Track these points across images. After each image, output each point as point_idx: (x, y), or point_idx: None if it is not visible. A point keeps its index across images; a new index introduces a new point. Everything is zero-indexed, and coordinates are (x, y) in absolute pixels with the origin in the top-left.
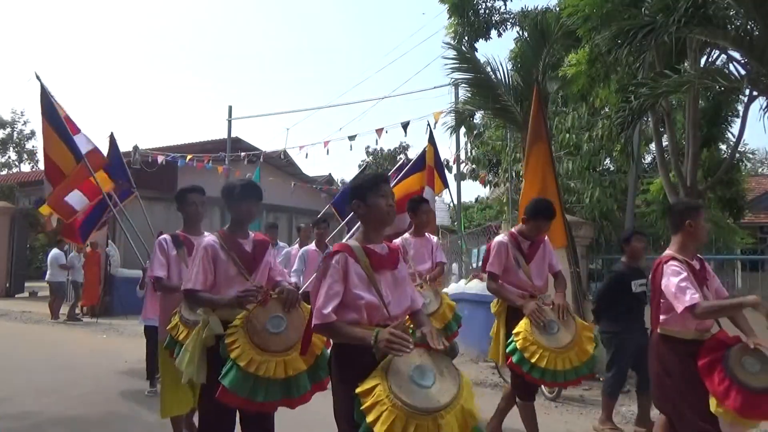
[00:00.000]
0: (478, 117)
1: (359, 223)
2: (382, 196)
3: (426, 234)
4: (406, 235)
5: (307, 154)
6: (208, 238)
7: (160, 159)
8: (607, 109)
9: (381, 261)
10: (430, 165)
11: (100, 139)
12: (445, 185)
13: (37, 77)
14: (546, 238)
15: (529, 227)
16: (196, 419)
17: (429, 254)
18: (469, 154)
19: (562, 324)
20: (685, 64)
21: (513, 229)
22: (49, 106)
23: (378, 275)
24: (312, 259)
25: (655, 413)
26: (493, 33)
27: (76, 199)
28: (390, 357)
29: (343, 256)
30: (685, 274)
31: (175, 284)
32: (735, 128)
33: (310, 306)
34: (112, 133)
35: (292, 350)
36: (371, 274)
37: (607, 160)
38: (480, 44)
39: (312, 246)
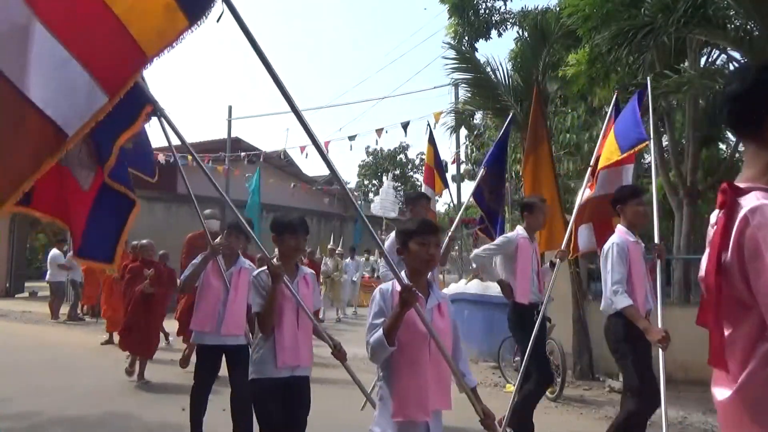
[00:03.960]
0: (478, 117)
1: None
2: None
3: None
4: None
5: (307, 154)
6: None
7: (160, 159)
8: (607, 109)
9: None
10: (429, 165)
11: None
12: (445, 185)
13: None
14: None
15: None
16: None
17: None
18: (468, 153)
19: None
20: (685, 64)
21: None
22: None
23: None
24: None
25: None
26: (493, 33)
27: None
28: None
29: None
30: None
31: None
32: None
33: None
34: None
35: None
36: None
37: None
38: (480, 44)
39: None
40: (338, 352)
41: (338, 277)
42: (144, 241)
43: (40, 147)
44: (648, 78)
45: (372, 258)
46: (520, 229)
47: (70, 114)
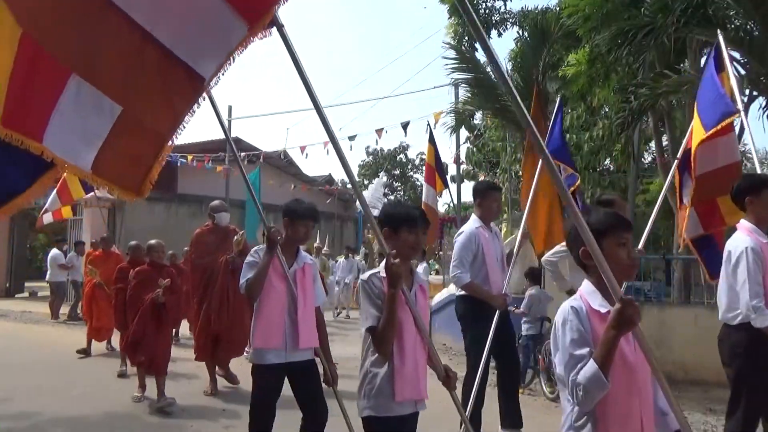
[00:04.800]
0: (478, 117)
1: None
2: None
3: None
4: None
5: (307, 154)
6: None
7: None
8: (606, 109)
9: None
10: (430, 164)
11: None
12: (445, 185)
13: None
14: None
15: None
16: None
17: None
18: (469, 155)
19: None
20: (685, 64)
21: None
22: None
23: None
24: None
25: None
26: (493, 33)
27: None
28: None
29: None
30: None
31: None
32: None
33: None
34: None
35: None
36: None
37: (607, 160)
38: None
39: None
40: (449, 379)
41: (325, 277)
42: (153, 242)
43: (174, 96)
44: (719, 34)
45: (357, 258)
46: None
47: (203, 52)
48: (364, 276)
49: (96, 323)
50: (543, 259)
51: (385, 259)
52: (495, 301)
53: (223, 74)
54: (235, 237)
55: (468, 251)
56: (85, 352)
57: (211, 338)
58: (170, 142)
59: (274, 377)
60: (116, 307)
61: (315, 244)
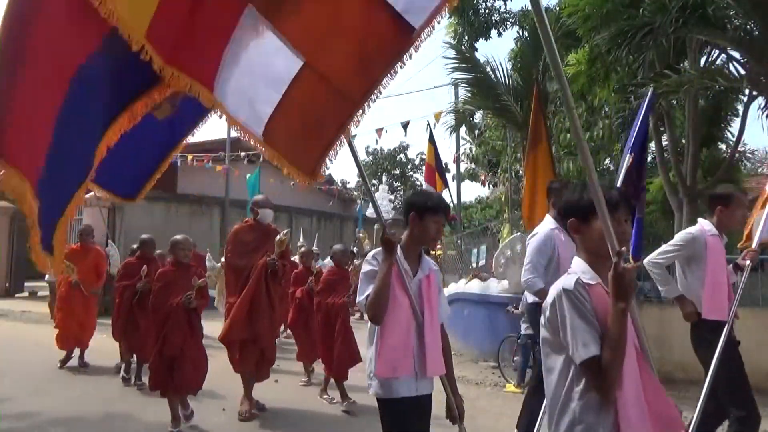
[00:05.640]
0: (478, 117)
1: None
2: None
3: None
4: None
5: None
6: None
7: None
8: (606, 109)
9: None
10: (430, 164)
11: None
12: (445, 185)
13: None
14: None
15: None
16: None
17: None
18: (469, 152)
19: None
20: (685, 64)
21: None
22: None
23: None
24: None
25: None
26: (493, 33)
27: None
28: None
29: None
30: None
31: None
32: (735, 128)
33: None
34: None
35: None
36: None
37: (607, 160)
38: (480, 44)
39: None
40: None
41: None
42: (178, 237)
43: (374, 51)
44: None
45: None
46: (706, 224)
47: None
48: (568, 284)
49: (61, 328)
50: (647, 260)
51: (613, 264)
52: None
53: (438, 22)
54: (278, 236)
55: (543, 255)
56: (64, 362)
57: (250, 348)
58: (361, 111)
59: (409, 414)
60: (119, 308)
61: (299, 243)
